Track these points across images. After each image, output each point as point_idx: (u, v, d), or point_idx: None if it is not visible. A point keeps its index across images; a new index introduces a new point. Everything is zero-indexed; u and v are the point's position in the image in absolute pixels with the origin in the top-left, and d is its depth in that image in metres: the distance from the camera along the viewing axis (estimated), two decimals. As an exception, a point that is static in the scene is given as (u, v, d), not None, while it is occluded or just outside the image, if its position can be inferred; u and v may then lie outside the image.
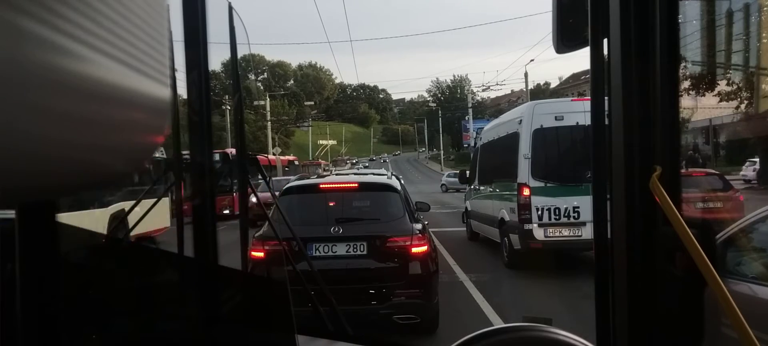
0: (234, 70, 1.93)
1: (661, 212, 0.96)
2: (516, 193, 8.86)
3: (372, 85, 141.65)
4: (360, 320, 4.40)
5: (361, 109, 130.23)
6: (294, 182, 6.29)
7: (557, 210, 8.55)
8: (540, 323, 1.09)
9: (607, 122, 1.06)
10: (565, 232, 8.58)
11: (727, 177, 10.93)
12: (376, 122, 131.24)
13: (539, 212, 8.59)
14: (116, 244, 1.51)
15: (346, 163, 62.59)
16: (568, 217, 8.52)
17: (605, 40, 1.04)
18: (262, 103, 48.56)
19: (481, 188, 11.58)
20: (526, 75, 38.46)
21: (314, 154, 67.95)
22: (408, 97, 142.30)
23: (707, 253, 0.89)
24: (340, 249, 5.21)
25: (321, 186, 5.90)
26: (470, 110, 62.73)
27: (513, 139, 9.43)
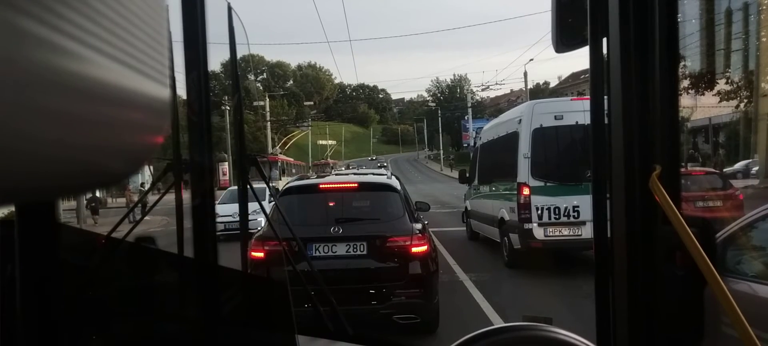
0: (233, 71, 1.93)
1: (660, 211, 0.96)
2: (516, 192, 8.86)
3: (371, 85, 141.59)
4: (360, 320, 4.40)
5: (361, 109, 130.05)
6: (294, 182, 6.30)
7: (557, 209, 8.55)
8: (540, 323, 1.09)
9: (606, 121, 1.06)
10: (565, 231, 8.58)
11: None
12: (376, 122, 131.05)
13: (539, 212, 8.59)
14: (116, 244, 1.51)
15: (332, 170, 36.11)
16: (568, 216, 8.51)
17: (604, 40, 1.04)
18: (262, 103, 48.51)
19: (481, 187, 11.59)
20: (525, 74, 38.62)
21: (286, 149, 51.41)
22: (407, 97, 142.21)
23: (707, 252, 0.89)
24: (340, 249, 5.21)
25: (321, 186, 5.92)
26: (470, 110, 62.74)
27: (513, 138, 9.42)
